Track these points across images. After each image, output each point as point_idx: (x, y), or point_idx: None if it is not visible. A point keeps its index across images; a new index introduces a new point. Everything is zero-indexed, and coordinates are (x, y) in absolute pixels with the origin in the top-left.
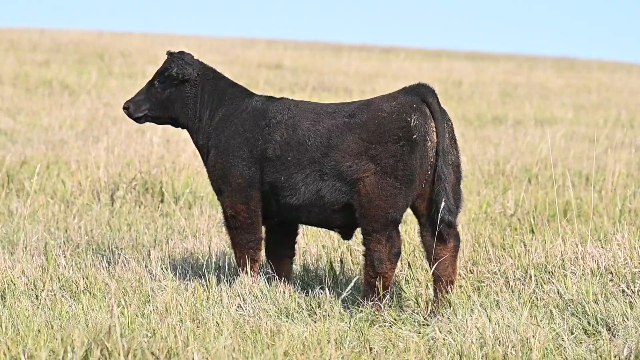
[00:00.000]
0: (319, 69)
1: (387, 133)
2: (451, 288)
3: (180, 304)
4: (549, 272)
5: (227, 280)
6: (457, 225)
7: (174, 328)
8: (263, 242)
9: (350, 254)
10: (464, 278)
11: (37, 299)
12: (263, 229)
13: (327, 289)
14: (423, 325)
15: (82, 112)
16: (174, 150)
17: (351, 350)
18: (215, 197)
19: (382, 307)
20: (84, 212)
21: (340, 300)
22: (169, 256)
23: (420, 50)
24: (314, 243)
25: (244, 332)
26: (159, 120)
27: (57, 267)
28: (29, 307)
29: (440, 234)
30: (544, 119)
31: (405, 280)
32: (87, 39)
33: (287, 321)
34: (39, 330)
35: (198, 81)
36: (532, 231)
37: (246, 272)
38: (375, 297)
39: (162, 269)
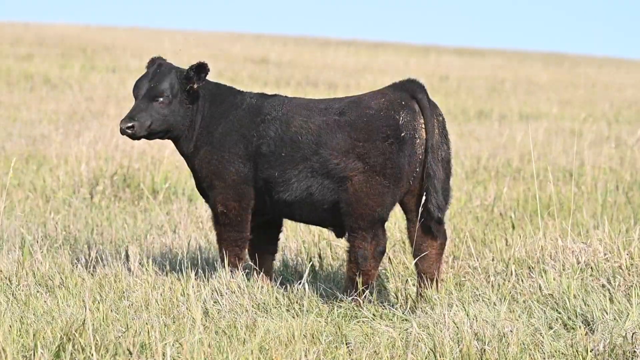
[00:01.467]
0: (305, 64)
1: (375, 131)
2: (435, 284)
3: (156, 300)
4: (530, 267)
5: (205, 276)
6: (444, 222)
7: (148, 323)
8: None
9: (330, 249)
10: (444, 272)
11: (13, 294)
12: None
13: (306, 284)
14: (402, 320)
15: (63, 107)
16: (155, 145)
17: (328, 345)
18: (195, 192)
19: (362, 302)
20: (63, 207)
21: (318, 295)
22: (147, 251)
23: (408, 45)
24: (293, 238)
25: (220, 328)
26: (156, 136)
27: (33, 262)
28: (3, 302)
29: (428, 231)
30: (529, 113)
31: (385, 275)
32: (72, 33)
33: (264, 316)
34: (11, 326)
35: (205, 95)
36: (513, 226)
37: (232, 268)
38: (356, 293)
39: (139, 264)
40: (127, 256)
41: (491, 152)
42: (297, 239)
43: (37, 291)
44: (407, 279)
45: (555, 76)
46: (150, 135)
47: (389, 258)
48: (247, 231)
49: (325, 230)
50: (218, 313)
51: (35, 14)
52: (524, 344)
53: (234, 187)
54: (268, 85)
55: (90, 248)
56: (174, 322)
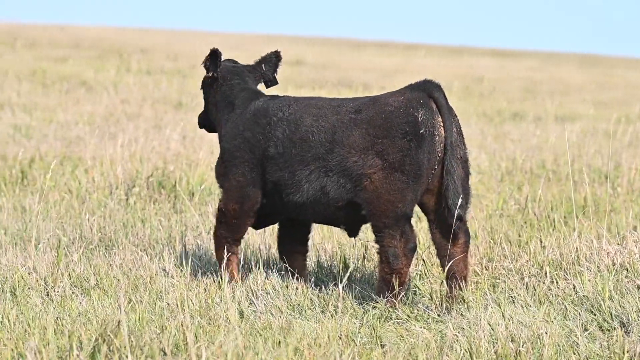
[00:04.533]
0: (340, 66)
1: (394, 128)
2: (465, 284)
3: (192, 301)
4: (564, 269)
5: (240, 277)
6: (466, 221)
7: (184, 324)
8: (242, 240)
9: (365, 251)
10: (478, 274)
11: (48, 295)
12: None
13: (340, 286)
14: (436, 321)
15: (99, 109)
16: (191, 146)
17: (362, 346)
18: None
19: (397, 303)
20: (98, 209)
21: (353, 297)
22: (183, 253)
23: (442, 47)
24: (329, 240)
25: (255, 329)
26: (212, 129)
27: (68, 263)
28: (39, 304)
29: (449, 230)
30: (565, 115)
31: (419, 276)
32: (107, 36)
33: (299, 318)
34: (47, 327)
35: (220, 83)
36: (548, 228)
37: (222, 262)
38: (390, 293)
39: (174, 265)
40: (162, 257)
41: (526, 153)
42: (332, 240)
43: (73, 292)
44: (442, 280)
45: (590, 78)
46: (202, 126)
47: (423, 260)
48: (242, 233)
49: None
50: (253, 314)
51: (71, 16)
52: (559, 346)
53: (238, 190)
54: (303, 87)
55: (126, 249)
56: (209, 324)
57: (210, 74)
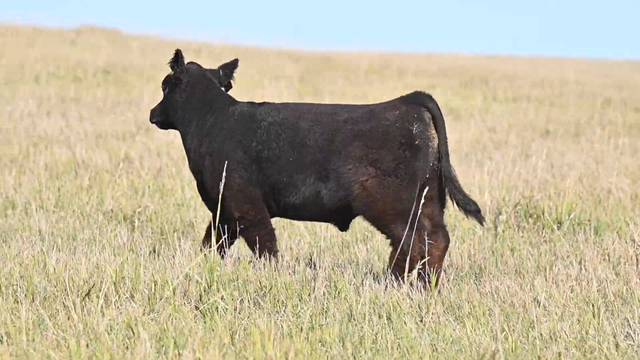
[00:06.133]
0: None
1: (390, 140)
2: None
3: (565, 332)
4: None
5: (615, 307)
6: (445, 225)
7: (559, 355)
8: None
9: None
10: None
11: (422, 321)
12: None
13: None
14: None
15: (466, 137)
16: (558, 174)
17: None
18: (602, 223)
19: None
20: (467, 236)
21: None
22: (553, 282)
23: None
24: None
25: None
26: (167, 126)
27: (440, 290)
28: (414, 329)
29: (437, 233)
30: None
31: None
32: (472, 64)
33: None
34: (423, 353)
35: (188, 86)
36: None
37: (270, 260)
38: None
39: (546, 294)
40: (532, 286)
41: None
42: None
43: (446, 319)
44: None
45: None
46: (159, 124)
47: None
48: (270, 225)
49: None
50: (630, 347)
51: (438, 44)
52: None
53: (242, 191)
54: None
55: (495, 278)
56: (584, 356)
57: (176, 75)
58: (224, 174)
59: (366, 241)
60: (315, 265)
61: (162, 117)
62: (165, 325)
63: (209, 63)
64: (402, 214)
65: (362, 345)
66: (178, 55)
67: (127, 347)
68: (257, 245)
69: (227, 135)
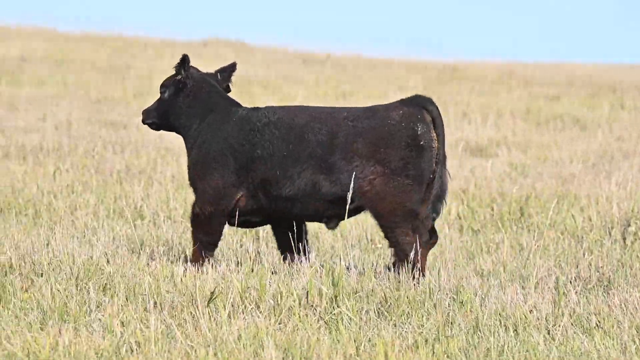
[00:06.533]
0: None
1: (397, 139)
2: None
3: None
4: None
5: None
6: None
7: None
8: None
9: None
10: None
11: (549, 333)
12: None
13: None
14: None
15: (593, 147)
16: None
17: None
18: None
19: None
20: (595, 248)
21: None
22: None
23: None
24: None
25: None
26: (164, 128)
27: (567, 302)
28: (541, 342)
29: (431, 230)
30: None
31: None
32: (600, 73)
33: None
34: None
35: (192, 91)
36: None
37: (198, 265)
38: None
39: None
40: None
41: None
42: None
43: (574, 332)
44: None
45: None
46: (155, 126)
47: None
48: (218, 235)
49: None
50: None
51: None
52: None
53: (214, 193)
54: None
55: (624, 290)
56: None
57: (182, 79)
58: (206, 169)
59: (491, 252)
60: (439, 276)
61: (161, 119)
62: (291, 335)
63: (332, 74)
64: (410, 216)
65: (488, 357)
66: (184, 60)
67: (255, 357)
68: (198, 246)
69: (220, 136)
